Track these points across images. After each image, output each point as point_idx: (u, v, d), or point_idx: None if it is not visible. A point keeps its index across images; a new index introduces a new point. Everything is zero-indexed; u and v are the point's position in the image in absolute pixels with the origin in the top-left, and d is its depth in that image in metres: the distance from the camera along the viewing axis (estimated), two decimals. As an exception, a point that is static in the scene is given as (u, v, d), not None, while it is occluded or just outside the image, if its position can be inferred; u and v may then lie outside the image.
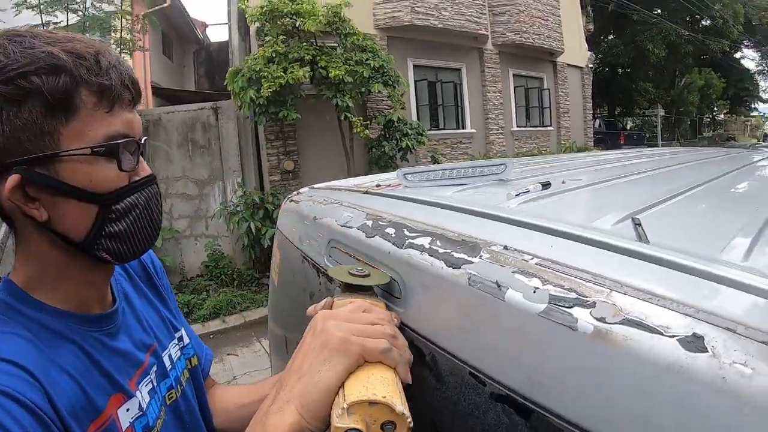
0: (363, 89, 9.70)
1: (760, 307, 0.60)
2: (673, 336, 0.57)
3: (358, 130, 9.49)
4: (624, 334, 0.60)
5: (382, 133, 10.82)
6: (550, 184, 1.47)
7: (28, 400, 0.72)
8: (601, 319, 0.62)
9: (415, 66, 13.57)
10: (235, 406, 1.22)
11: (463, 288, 0.81)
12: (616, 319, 0.61)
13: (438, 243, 0.93)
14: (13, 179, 0.81)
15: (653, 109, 31.62)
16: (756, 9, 37.44)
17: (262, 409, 0.79)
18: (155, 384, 1.01)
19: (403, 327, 0.91)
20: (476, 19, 14.50)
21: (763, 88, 49.96)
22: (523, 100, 18.34)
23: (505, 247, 0.86)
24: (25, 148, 0.81)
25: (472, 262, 0.84)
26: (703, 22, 35.70)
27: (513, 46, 16.40)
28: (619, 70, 33.40)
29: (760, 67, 47.92)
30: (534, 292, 0.71)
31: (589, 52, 22.24)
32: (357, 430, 0.67)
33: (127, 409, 0.91)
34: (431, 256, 0.91)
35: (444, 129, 14.75)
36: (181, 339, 1.16)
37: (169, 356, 1.10)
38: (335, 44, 9.60)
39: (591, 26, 23.96)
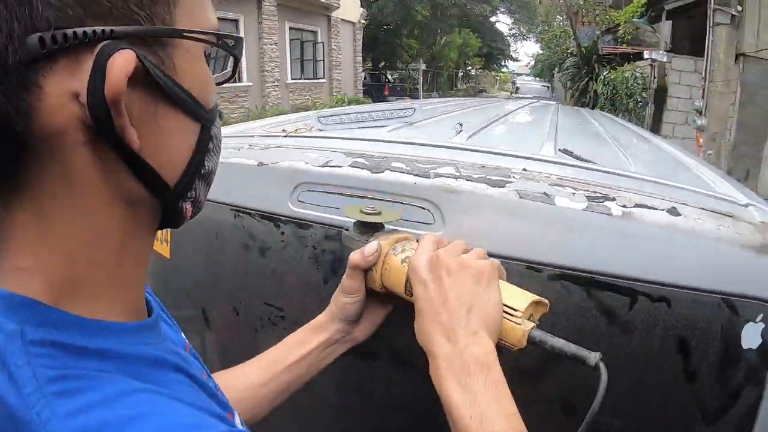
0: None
1: (688, 193, 1.10)
2: (663, 210, 0.96)
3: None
4: (639, 213, 0.96)
5: None
6: (462, 124, 1.61)
7: None
8: (624, 206, 0.96)
9: (191, 16, 12.98)
10: (251, 391, 0.95)
11: (514, 202, 1.00)
12: (632, 205, 0.97)
13: (464, 170, 1.04)
14: (125, 61, 0.44)
15: (415, 63, 33.49)
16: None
17: (445, 351, 0.78)
18: None
19: None
20: (256, -31, 14.19)
21: (514, 49, 59.95)
22: (299, 53, 18.47)
23: (524, 169, 1.08)
24: (131, 10, 0.46)
25: (511, 182, 1.03)
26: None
27: (291, -1, 16.35)
28: (385, 26, 34.59)
29: (513, 31, 54.92)
30: (574, 195, 0.99)
31: (362, 9, 22.87)
32: (535, 325, 0.82)
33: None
34: (469, 180, 1.04)
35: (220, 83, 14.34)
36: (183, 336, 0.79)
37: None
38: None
39: (365, -17, 24.67)
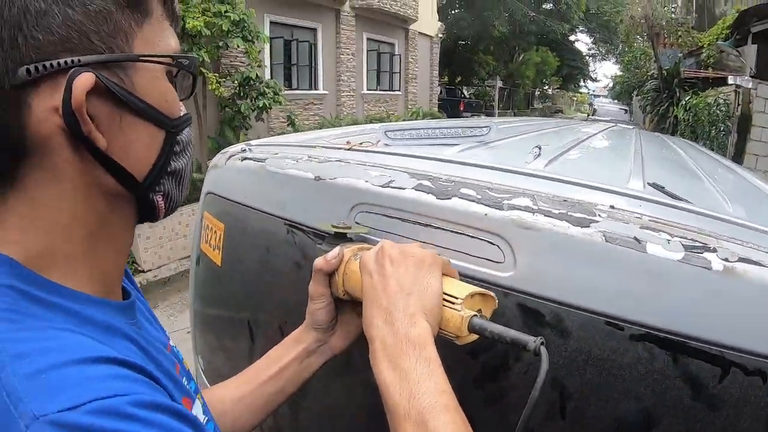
0: (221, 43, 9.21)
1: None
2: None
3: (213, 87, 9.00)
4: (743, 268, 0.81)
5: (237, 91, 10.24)
6: (540, 147, 1.47)
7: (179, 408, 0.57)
8: (726, 260, 0.82)
9: (272, 23, 13.24)
10: (230, 404, 1.03)
11: (599, 246, 0.88)
12: (735, 259, 0.82)
13: (542, 203, 0.92)
14: (84, 80, 0.58)
15: (492, 80, 33.21)
16: (596, -1, 40.94)
17: (381, 334, 0.81)
18: (189, 386, 0.80)
19: (511, 292, 0.95)
20: (337, -21, 14.35)
21: (593, 69, 58.21)
22: (375, 64, 18.62)
23: (612, 207, 0.95)
24: (93, 44, 0.60)
25: (597, 221, 0.90)
26: (547, 5, 37.98)
27: (370, 11, 16.56)
28: (462, 41, 34.46)
29: (592, 51, 53.71)
30: (668, 243, 0.85)
31: (439, 23, 22.86)
32: (475, 315, 0.82)
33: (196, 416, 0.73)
34: (548, 216, 0.93)
35: (297, 89, 14.60)
36: (170, 338, 0.91)
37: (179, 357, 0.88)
38: (192, -8, 8.93)
39: (443, -2, 24.58)
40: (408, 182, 1.08)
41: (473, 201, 0.98)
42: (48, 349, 0.53)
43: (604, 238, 0.88)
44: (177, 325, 5.50)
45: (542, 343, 0.75)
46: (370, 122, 15.14)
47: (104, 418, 0.49)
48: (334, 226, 1.06)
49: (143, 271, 7.23)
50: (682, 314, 0.83)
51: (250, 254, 1.44)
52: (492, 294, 0.86)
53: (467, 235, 0.98)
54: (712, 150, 11.67)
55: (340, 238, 1.06)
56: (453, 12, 34.39)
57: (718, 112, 12.67)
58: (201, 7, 8.68)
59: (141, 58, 0.64)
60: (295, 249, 1.28)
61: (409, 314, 0.81)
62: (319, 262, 0.99)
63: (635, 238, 0.86)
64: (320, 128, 12.89)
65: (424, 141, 1.53)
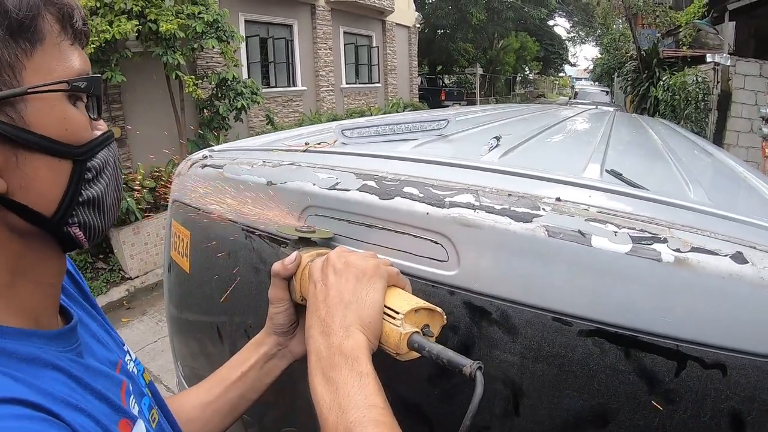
0: (195, 45, 9.10)
1: (758, 230, 0.89)
2: (726, 255, 0.78)
3: (190, 90, 8.88)
4: (696, 259, 0.78)
5: (215, 92, 10.10)
6: (500, 138, 1.45)
7: None
8: (677, 250, 0.79)
9: (246, 21, 13.10)
10: (200, 409, 1.02)
11: (541, 241, 0.85)
12: (687, 249, 0.79)
13: (485, 199, 0.89)
14: None
15: (472, 67, 33.14)
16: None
17: (316, 345, 0.81)
18: (138, 404, 0.79)
19: (457, 290, 0.93)
20: (310, -26, 14.23)
21: (572, 53, 59.54)
22: (353, 58, 18.51)
23: (558, 199, 0.91)
24: None
25: (540, 215, 0.87)
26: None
27: (345, 4, 16.45)
28: (440, 30, 34.41)
29: (571, 35, 54.07)
30: (615, 235, 0.82)
31: (416, 13, 22.77)
32: (416, 332, 0.80)
33: None
34: (490, 213, 0.89)
35: (275, 87, 14.49)
36: (128, 352, 0.89)
37: (133, 372, 0.86)
38: (165, -5, 8.80)
39: (419, -13, 24.43)
40: (353, 183, 1.06)
41: (415, 200, 0.96)
42: None
43: (546, 232, 0.85)
44: (166, 330, 5.46)
45: (479, 368, 0.72)
46: (351, 116, 15.16)
47: None
48: (297, 230, 1.04)
49: (130, 279, 7.24)
50: (632, 308, 0.81)
51: (214, 260, 1.42)
52: (440, 310, 0.83)
53: (411, 235, 0.96)
54: (692, 129, 11.69)
55: (304, 242, 1.03)
56: (430, 1, 34.28)
57: (697, 90, 12.66)
58: (174, 10, 8.57)
59: (29, 90, 0.60)
60: (253, 254, 1.27)
61: (345, 326, 0.80)
62: (276, 266, 0.97)
63: (579, 231, 0.83)
64: (300, 125, 12.88)
65: (381, 138, 1.50)
